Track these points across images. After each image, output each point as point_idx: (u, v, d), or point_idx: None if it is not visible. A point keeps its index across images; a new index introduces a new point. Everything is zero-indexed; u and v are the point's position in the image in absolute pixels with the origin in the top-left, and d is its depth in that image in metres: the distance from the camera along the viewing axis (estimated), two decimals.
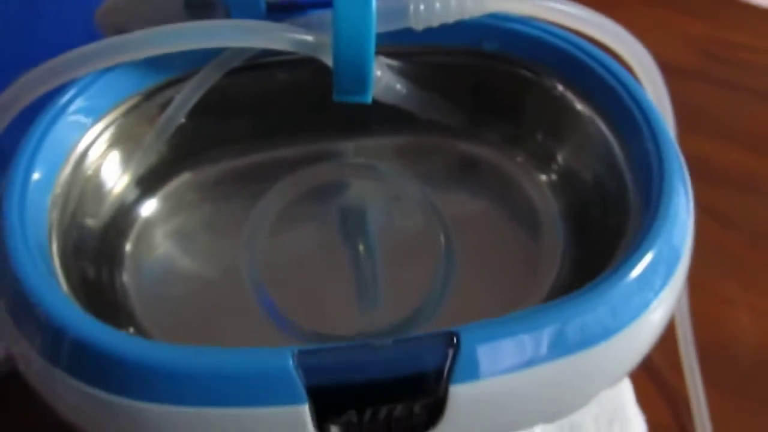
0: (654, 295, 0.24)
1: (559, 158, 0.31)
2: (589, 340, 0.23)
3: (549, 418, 0.26)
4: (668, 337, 0.47)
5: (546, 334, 0.22)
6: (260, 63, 0.30)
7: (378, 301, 0.29)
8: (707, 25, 0.68)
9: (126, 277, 0.29)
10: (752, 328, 0.52)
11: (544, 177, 0.31)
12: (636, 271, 0.23)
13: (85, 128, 0.27)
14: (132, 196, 0.30)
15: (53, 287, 0.22)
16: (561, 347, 0.22)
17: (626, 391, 0.38)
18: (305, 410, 0.21)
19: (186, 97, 0.28)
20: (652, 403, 0.49)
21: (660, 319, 0.25)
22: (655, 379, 0.50)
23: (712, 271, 0.54)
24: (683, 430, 0.47)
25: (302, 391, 0.21)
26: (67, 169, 0.27)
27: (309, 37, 0.26)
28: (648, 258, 0.23)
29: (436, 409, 0.22)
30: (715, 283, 0.54)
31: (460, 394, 0.22)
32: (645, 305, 0.24)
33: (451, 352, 0.21)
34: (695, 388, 0.47)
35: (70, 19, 0.44)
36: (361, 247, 0.31)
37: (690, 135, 0.61)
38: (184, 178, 0.32)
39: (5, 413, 0.45)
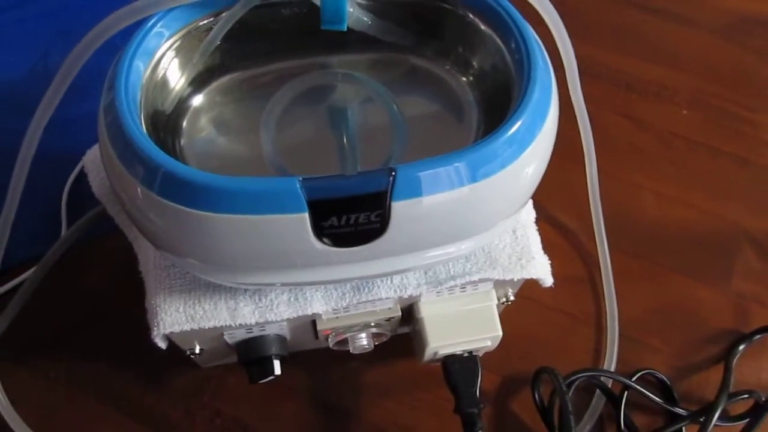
0: (525, 146, 0.37)
1: (474, 63, 0.44)
2: (482, 173, 0.36)
3: (464, 233, 0.39)
4: (586, 213, 0.60)
5: (448, 171, 0.35)
6: (271, 3, 0.42)
7: (355, 162, 0.42)
8: None
9: (183, 143, 0.42)
10: (653, 207, 0.66)
11: (464, 78, 0.44)
12: (511, 130, 0.36)
13: (160, 42, 0.40)
14: (187, 91, 0.43)
15: (150, 142, 0.35)
16: (461, 178, 0.36)
17: (533, 240, 0.49)
18: (306, 216, 0.35)
19: (221, 26, 0.41)
20: (571, 263, 0.62)
21: (532, 165, 0.38)
22: (573, 245, 0.63)
23: (627, 164, 0.68)
24: (593, 283, 0.62)
25: (304, 203, 0.35)
26: (148, 71, 0.39)
27: None
28: (519, 123, 0.36)
29: (385, 218, 0.36)
30: (627, 173, 0.68)
31: (398, 207, 0.36)
32: (520, 152, 0.37)
33: (391, 180, 0.35)
34: (602, 248, 0.61)
35: None
36: (341, 128, 0.44)
37: (620, 55, 0.74)
38: (221, 81, 0.45)
39: (70, 279, 0.58)
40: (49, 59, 0.68)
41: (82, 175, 0.57)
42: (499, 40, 0.40)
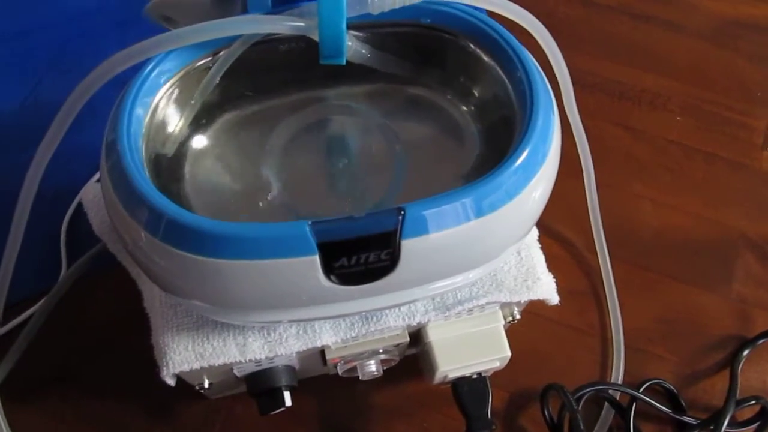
0: (532, 175, 0.37)
1: (475, 93, 0.44)
2: (490, 206, 0.36)
3: (472, 263, 0.40)
4: (586, 226, 0.60)
5: (456, 207, 0.35)
6: (269, 39, 0.42)
7: (356, 196, 0.42)
8: None
9: (186, 184, 0.42)
10: (652, 216, 0.66)
11: (465, 108, 0.44)
12: (518, 161, 0.36)
13: (159, 86, 0.39)
14: (186, 133, 0.43)
15: (153, 188, 0.35)
16: (467, 213, 0.36)
17: (537, 260, 0.49)
18: (316, 258, 0.35)
19: (220, 65, 0.41)
20: (573, 276, 0.62)
21: (539, 192, 0.38)
22: (575, 258, 0.63)
23: (624, 173, 0.68)
24: (597, 295, 0.62)
25: (314, 246, 0.35)
26: (148, 116, 0.39)
27: (302, 23, 0.38)
28: (525, 153, 0.37)
29: (394, 256, 0.36)
30: (624, 182, 0.68)
31: (408, 245, 0.36)
32: (526, 182, 0.37)
33: (400, 219, 0.35)
34: (604, 261, 0.61)
35: None
36: (343, 161, 0.44)
37: (612, 64, 0.74)
38: (221, 120, 0.44)
39: (73, 315, 0.58)
40: (40, 92, 0.68)
41: (81, 208, 0.56)
42: (500, 71, 0.40)
